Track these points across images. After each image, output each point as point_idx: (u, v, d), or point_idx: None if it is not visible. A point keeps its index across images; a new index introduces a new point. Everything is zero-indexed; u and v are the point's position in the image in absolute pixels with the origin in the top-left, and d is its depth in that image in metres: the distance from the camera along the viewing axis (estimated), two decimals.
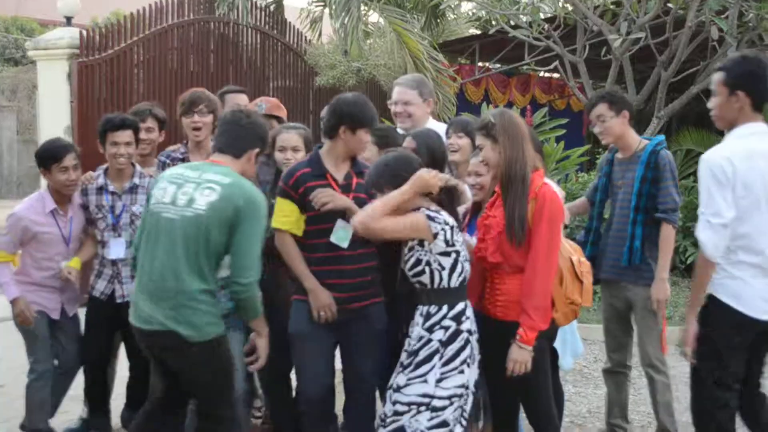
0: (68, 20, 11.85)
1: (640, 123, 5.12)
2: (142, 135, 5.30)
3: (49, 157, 4.99)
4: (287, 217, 4.39)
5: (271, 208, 4.39)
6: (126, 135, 5.03)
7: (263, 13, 14.18)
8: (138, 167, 5.23)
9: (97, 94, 11.08)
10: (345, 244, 4.33)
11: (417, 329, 3.97)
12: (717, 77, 4.06)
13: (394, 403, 3.94)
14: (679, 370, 7.00)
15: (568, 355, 4.91)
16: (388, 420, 3.95)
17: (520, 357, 3.89)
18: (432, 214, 3.91)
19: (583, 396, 5.81)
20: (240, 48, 13.60)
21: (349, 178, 4.44)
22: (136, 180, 5.15)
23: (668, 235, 4.95)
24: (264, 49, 14.08)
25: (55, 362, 5.13)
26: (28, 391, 5.04)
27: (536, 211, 3.91)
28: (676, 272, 9.64)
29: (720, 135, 14.70)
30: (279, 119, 5.55)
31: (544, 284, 3.90)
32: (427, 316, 3.96)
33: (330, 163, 4.42)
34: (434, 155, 4.52)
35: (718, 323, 4.03)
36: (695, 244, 9.37)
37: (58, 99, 10.22)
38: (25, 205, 5.04)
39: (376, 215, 3.87)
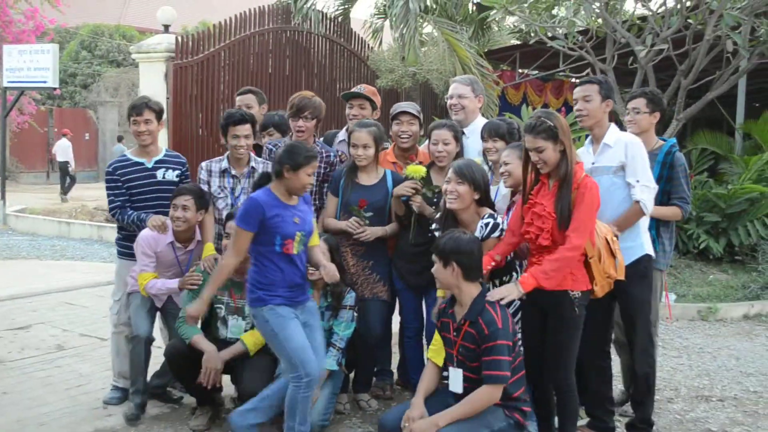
0: (166, 28, 12.16)
1: (660, 124, 5.11)
2: (141, 127, 5.02)
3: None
4: (434, 346, 4.18)
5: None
6: (245, 128, 4.94)
7: (332, 23, 14.38)
8: (252, 154, 5.12)
9: (189, 92, 11.35)
10: (460, 389, 3.94)
11: None
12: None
13: None
14: (690, 341, 7.04)
15: None
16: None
17: (508, 292, 3.90)
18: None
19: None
20: (311, 53, 13.82)
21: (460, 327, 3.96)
22: (253, 164, 5.06)
23: (674, 213, 4.86)
24: (332, 54, 14.30)
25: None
26: None
27: (577, 197, 3.89)
28: (689, 256, 9.61)
29: (730, 136, 14.39)
30: (372, 103, 5.49)
31: (571, 258, 3.89)
32: None
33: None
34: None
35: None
36: (708, 231, 9.42)
37: (157, 95, 10.40)
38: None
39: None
